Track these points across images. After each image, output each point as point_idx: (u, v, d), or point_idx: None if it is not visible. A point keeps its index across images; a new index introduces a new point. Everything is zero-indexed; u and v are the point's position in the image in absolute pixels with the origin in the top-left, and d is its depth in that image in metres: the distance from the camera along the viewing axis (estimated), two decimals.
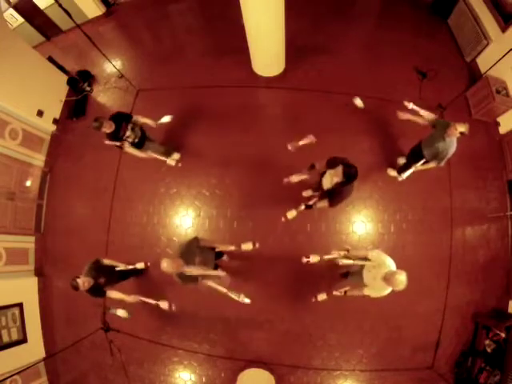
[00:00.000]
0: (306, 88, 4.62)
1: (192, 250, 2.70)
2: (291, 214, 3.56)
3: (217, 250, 3.20)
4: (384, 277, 2.53)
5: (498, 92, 4.19)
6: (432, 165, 3.28)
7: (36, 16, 5.64)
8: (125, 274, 3.61)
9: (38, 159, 4.84)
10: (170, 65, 5.09)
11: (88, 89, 5.20)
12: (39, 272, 4.64)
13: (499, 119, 4.50)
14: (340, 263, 2.88)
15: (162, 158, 3.94)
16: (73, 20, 3.85)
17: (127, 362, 4.12)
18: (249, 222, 4.14)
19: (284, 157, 4.30)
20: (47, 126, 4.91)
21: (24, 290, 4.41)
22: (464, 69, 4.89)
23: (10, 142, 4.35)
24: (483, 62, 4.55)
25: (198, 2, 5.62)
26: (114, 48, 5.43)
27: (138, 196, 4.45)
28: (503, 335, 3.71)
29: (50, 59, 5.20)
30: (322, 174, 3.07)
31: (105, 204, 4.50)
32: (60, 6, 3.79)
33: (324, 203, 3.03)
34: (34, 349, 4.32)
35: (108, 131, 3.21)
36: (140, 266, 3.81)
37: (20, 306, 4.25)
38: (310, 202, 3.23)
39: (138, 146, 3.56)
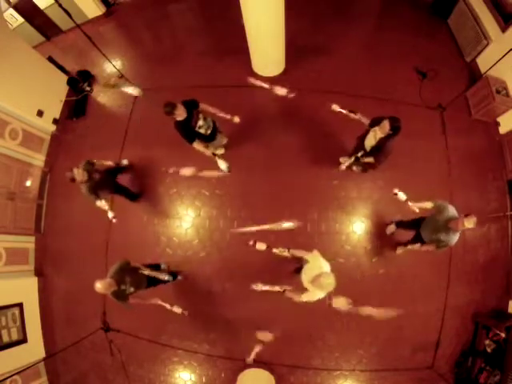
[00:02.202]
0: (306, 88, 4.62)
1: (123, 270, 2.85)
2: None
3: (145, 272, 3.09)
4: (312, 279, 2.46)
5: (498, 92, 4.19)
6: (430, 248, 3.01)
7: (36, 16, 5.64)
8: (155, 280, 3.32)
9: (38, 159, 4.84)
10: (170, 65, 5.09)
11: (88, 89, 5.20)
12: (39, 272, 4.64)
13: (499, 119, 4.50)
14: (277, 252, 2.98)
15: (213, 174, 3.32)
16: (73, 20, 3.85)
17: (127, 362, 4.12)
18: (249, 222, 4.13)
19: (284, 156, 4.32)
20: (47, 126, 4.91)
21: (24, 289, 4.41)
22: (464, 69, 4.89)
23: (9, 142, 4.35)
24: (483, 61, 4.55)
25: (198, 1, 5.62)
26: (114, 48, 5.44)
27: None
28: (503, 335, 3.71)
29: (50, 59, 5.20)
30: (363, 137, 3.20)
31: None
32: (60, 5, 3.79)
33: (370, 159, 3.12)
34: (34, 349, 4.32)
35: (180, 118, 2.77)
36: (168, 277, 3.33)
37: (20, 306, 4.25)
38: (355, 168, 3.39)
39: (210, 139, 3.13)
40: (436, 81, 4.69)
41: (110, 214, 3.37)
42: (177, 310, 3.27)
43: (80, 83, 5.17)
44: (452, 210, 2.75)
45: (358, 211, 4.16)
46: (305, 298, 2.67)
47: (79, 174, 3.20)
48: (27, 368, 3.67)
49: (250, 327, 3.97)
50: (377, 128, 2.89)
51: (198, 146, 3.00)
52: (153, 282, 3.29)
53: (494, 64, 3.76)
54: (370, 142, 3.08)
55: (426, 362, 3.98)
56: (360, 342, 3.97)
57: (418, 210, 2.90)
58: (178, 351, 4.11)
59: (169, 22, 5.60)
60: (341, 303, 2.49)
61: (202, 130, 2.97)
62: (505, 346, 3.74)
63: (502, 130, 4.49)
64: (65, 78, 5.18)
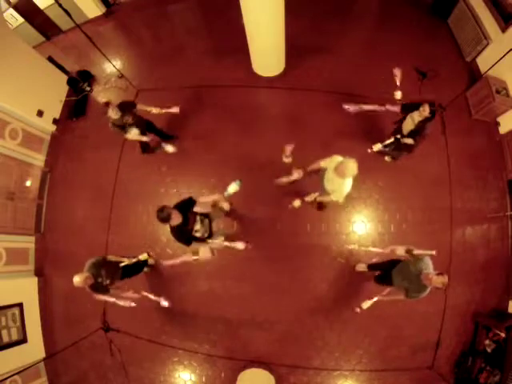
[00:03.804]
0: (306, 88, 4.62)
1: (98, 264, 3.03)
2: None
3: (122, 264, 3.24)
4: (335, 169, 2.59)
5: (498, 92, 4.19)
6: (398, 296, 2.92)
7: (36, 16, 5.64)
8: (130, 271, 3.51)
9: (38, 159, 4.84)
10: (170, 65, 5.09)
11: (88, 89, 5.20)
12: (39, 272, 4.64)
13: (499, 119, 4.50)
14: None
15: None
16: (73, 20, 3.85)
17: (127, 362, 4.12)
18: (249, 221, 4.14)
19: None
20: (47, 126, 4.91)
21: (24, 289, 4.41)
22: (464, 69, 4.89)
23: (9, 142, 4.35)
24: (483, 61, 4.56)
25: (198, 1, 5.62)
26: (113, 48, 5.44)
27: (138, 196, 4.44)
28: (503, 335, 3.71)
29: (50, 59, 5.20)
30: (400, 121, 3.39)
31: (105, 204, 4.50)
32: (60, 5, 3.79)
33: (410, 140, 3.26)
34: (34, 349, 4.32)
35: (175, 223, 2.57)
36: (143, 257, 3.53)
37: (20, 306, 4.25)
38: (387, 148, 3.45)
39: (207, 238, 2.97)
40: (436, 81, 4.69)
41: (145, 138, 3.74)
42: (154, 297, 3.46)
43: (80, 83, 5.17)
44: (427, 264, 2.67)
45: (358, 211, 4.16)
46: (334, 195, 2.85)
47: (113, 111, 3.30)
48: (27, 368, 3.68)
49: (250, 327, 3.99)
50: (415, 113, 3.05)
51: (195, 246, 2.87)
52: (127, 273, 3.46)
53: (494, 64, 3.75)
54: (409, 126, 3.22)
55: (426, 361, 3.98)
56: (360, 342, 3.97)
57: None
58: (178, 351, 4.11)
59: (169, 22, 5.60)
60: None
61: (198, 234, 2.83)
62: (505, 346, 3.73)
63: (502, 130, 4.49)
64: (65, 77, 5.18)
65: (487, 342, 3.84)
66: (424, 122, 3.07)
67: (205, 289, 4.10)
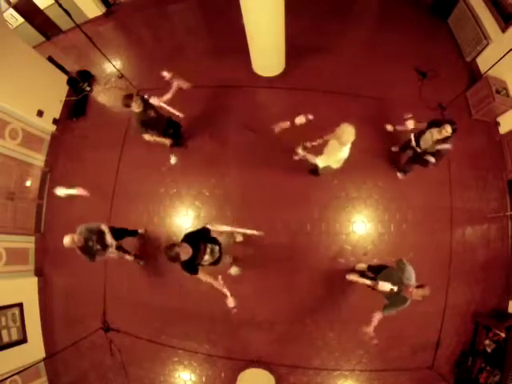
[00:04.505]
0: (306, 88, 4.62)
1: (90, 230, 3.24)
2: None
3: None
4: (334, 135, 2.73)
5: (498, 92, 4.19)
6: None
7: (36, 16, 5.64)
8: (121, 234, 3.75)
9: (38, 159, 4.84)
10: (170, 65, 5.05)
11: (88, 89, 5.20)
12: (39, 272, 4.64)
13: (499, 119, 4.50)
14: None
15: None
16: (73, 20, 3.85)
17: (127, 362, 4.13)
18: (249, 221, 4.13)
19: (285, 156, 4.32)
20: (47, 126, 4.91)
21: (24, 289, 4.41)
22: (464, 69, 4.89)
23: (9, 142, 4.35)
24: (483, 61, 4.55)
25: (198, 2, 5.62)
26: (113, 48, 5.44)
27: (138, 196, 4.44)
28: (503, 335, 3.71)
29: (50, 59, 5.20)
30: (419, 135, 3.37)
31: (105, 204, 4.50)
32: (60, 5, 3.79)
33: (432, 159, 3.26)
34: (34, 349, 4.32)
35: (185, 257, 2.38)
36: (141, 231, 4.07)
37: (20, 306, 4.25)
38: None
39: (215, 263, 2.87)
40: (436, 81, 4.69)
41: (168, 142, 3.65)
42: (130, 258, 3.86)
43: (80, 83, 5.16)
44: (409, 274, 2.62)
45: (358, 211, 4.16)
46: (330, 159, 3.00)
47: (136, 103, 3.15)
48: (27, 368, 3.68)
49: (250, 327, 3.99)
50: (435, 130, 3.06)
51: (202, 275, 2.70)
52: (119, 235, 3.64)
53: (494, 64, 3.76)
54: (427, 142, 3.23)
55: (426, 361, 3.98)
56: (360, 342, 3.97)
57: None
58: (178, 351, 4.11)
59: (169, 22, 5.60)
60: None
61: (206, 263, 2.72)
62: (505, 346, 3.73)
63: (502, 130, 4.49)
64: (65, 77, 5.18)
65: (487, 341, 3.84)
66: (443, 140, 3.08)
67: (205, 289, 4.09)
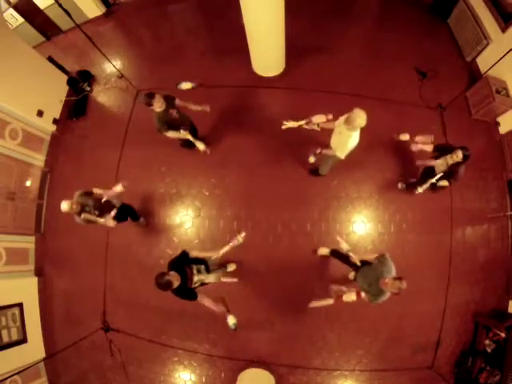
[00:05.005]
0: (306, 88, 4.62)
1: (86, 195, 3.23)
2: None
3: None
4: (346, 120, 2.70)
5: (498, 92, 4.19)
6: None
7: (36, 16, 5.63)
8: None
9: (38, 159, 4.84)
10: (170, 65, 5.09)
11: (88, 89, 5.20)
12: (39, 272, 4.63)
13: (499, 119, 4.50)
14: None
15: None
16: (73, 20, 3.85)
17: (127, 362, 4.12)
18: (249, 221, 4.14)
19: (284, 157, 4.32)
20: (47, 126, 4.91)
21: (24, 290, 4.41)
22: (464, 69, 4.89)
23: (9, 142, 4.35)
24: (483, 61, 4.56)
25: (198, 2, 5.62)
26: (113, 48, 5.43)
27: (138, 196, 4.44)
28: (503, 335, 3.71)
29: (50, 59, 5.19)
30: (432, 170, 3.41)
31: None
32: (60, 5, 3.79)
33: (445, 182, 3.31)
34: (34, 349, 4.32)
35: (176, 284, 2.42)
36: (118, 188, 3.30)
37: (20, 306, 4.25)
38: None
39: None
40: (436, 81, 4.70)
41: (202, 146, 3.50)
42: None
43: (80, 83, 5.16)
44: (389, 269, 2.65)
45: (358, 211, 4.16)
46: (338, 150, 2.98)
47: (158, 102, 3.00)
48: (27, 368, 3.68)
49: (250, 327, 3.99)
50: (448, 156, 3.11)
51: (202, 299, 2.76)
52: (121, 216, 3.64)
53: (494, 64, 3.76)
54: (442, 167, 3.25)
55: (426, 361, 3.98)
56: (360, 342, 3.97)
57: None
58: (178, 351, 4.11)
59: (169, 22, 5.60)
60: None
61: (197, 284, 2.77)
62: (505, 346, 3.73)
63: (502, 129, 4.49)
64: (65, 77, 5.17)
65: (487, 342, 3.85)
66: (457, 165, 3.12)
67: (204, 289, 4.09)
